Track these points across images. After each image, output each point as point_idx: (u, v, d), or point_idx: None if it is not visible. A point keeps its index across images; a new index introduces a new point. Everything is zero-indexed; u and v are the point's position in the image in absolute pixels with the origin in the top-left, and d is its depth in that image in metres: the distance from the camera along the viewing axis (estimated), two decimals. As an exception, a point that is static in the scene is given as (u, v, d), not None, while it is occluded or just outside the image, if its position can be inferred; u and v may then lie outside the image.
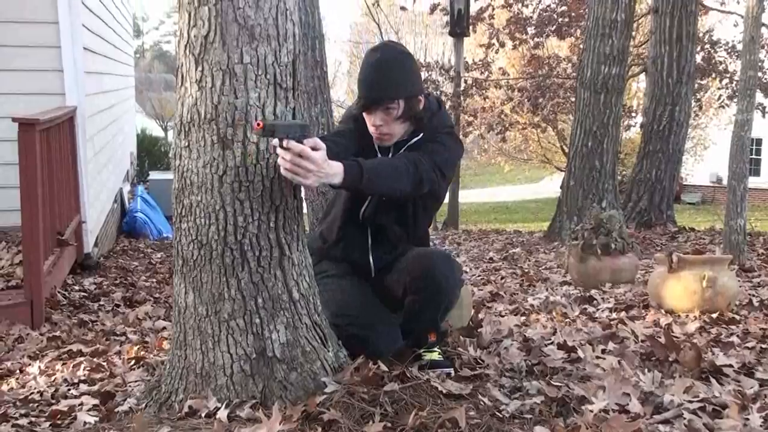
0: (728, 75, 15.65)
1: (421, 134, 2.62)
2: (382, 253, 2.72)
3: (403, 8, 19.64)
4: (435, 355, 2.63)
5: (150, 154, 17.98)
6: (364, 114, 2.58)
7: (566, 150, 14.28)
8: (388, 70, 2.53)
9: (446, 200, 16.21)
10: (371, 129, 2.58)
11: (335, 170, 2.14)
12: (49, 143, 4.91)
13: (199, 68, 2.11)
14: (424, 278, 2.52)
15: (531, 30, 16.48)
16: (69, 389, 2.73)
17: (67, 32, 5.87)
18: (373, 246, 2.71)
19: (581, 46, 11.66)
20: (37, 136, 4.40)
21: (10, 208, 5.12)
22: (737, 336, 3.08)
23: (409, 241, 2.72)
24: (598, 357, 2.66)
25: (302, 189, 2.29)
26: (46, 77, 5.95)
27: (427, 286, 2.52)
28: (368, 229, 2.69)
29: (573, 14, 15.93)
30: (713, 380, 2.40)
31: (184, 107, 2.17)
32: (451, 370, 2.56)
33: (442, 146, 2.58)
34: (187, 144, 2.17)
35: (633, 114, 18.24)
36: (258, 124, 2.01)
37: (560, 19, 16.11)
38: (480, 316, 3.39)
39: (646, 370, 2.50)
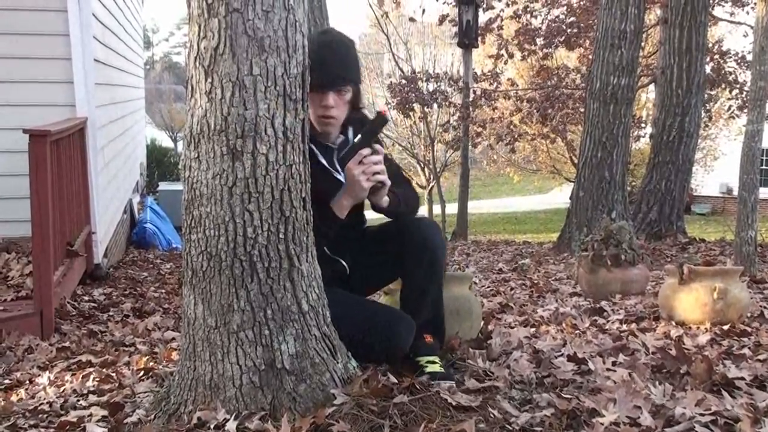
0: (738, 85, 15.64)
1: (357, 134, 2.63)
2: (347, 250, 2.73)
3: (411, 19, 19.68)
4: (437, 367, 2.57)
5: (160, 164, 18.07)
6: (310, 96, 2.40)
7: (576, 161, 14.26)
8: (343, 52, 2.55)
9: (455, 210, 16.24)
10: (319, 111, 2.52)
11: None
12: (60, 154, 4.94)
13: (209, 80, 2.12)
14: (420, 247, 2.58)
15: (540, 41, 16.52)
16: (78, 400, 2.73)
17: (77, 44, 5.92)
18: (334, 250, 2.69)
19: (590, 56, 11.67)
20: (48, 147, 4.42)
21: (20, 219, 5.14)
22: (749, 348, 3.05)
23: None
24: (608, 369, 2.64)
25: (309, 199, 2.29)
26: (57, 89, 5.99)
27: (425, 251, 2.59)
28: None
29: (582, 25, 15.95)
30: (725, 393, 2.38)
31: (193, 118, 2.17)
32: (453, 383, 2.50)
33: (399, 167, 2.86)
34: (196, 155, 2.17)
35: (642, 124, 18.22)
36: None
37: (569, 30, 16.14)
38: (489, 327, 3.37)
39: (657, 382, 2.48)
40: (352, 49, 2.61)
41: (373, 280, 2.82)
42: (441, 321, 2.74)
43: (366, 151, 2.43)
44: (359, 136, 2.51)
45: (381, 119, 2.53)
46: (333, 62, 2.49)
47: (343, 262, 2.71)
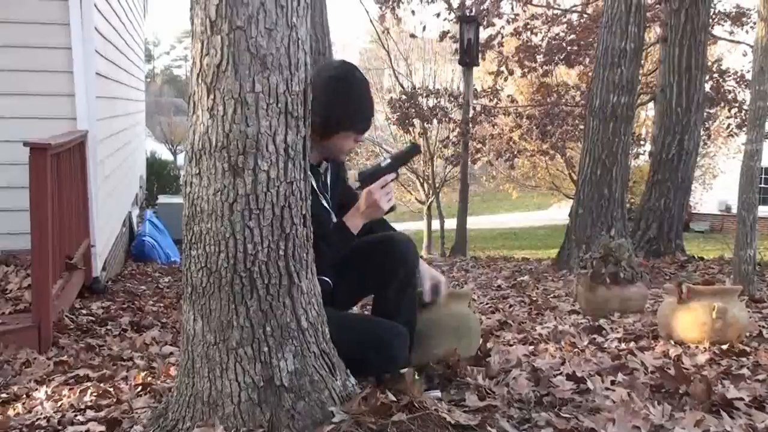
0: (737, 104, 15.68)
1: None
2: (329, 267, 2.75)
3: (412, 35, 19.78)
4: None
5: (159, 177, 18.06)
6: (345, 134, 2.63)
7: (575, 177, 14.28)
8: (370, 92, 2.71)
9: (454, 226, 16.24)
10: (351, 146, 2.69)
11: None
12: (60, 167, 4.94)
13: (211, 96, 2.12)
14: (397, 262, 2.65)
15: (540, 58, 16.56)
16: (76, 415, 2.72)
17: (79, 58, 5.93)
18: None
19: (590, 74, 11.70)
20: (48, 160, 4.42)
21: (19, 232, 5.13)
22: (748, 368, 3.05)
23: None
24: (607, 388, 2.64)
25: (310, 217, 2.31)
26: (58, 102, 6.00)
27: (401, 266, 2.66)
28: None
29: (582, 42, 16.00)
30: (724, 414, 2.38)
31: (195, 135, 2.18)
32: (438, 392, 2.59)
33: None
34: (197, 171, 2.17)
35: (642, 142, 18.25)
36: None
37: (569, 48, 16.18)
38: (488, 345, 3.37)
39: (656, 402, 2.48)
40: None
41: (355, 293, 2.89)
42: (413, 333, 2.78)
43: (391, 176, 2.57)
44: (387, 160, 2.65)
45: (415, 149, 2.77)
46: (371, 106, 2.67)
47: (327, 279, 2.70)
